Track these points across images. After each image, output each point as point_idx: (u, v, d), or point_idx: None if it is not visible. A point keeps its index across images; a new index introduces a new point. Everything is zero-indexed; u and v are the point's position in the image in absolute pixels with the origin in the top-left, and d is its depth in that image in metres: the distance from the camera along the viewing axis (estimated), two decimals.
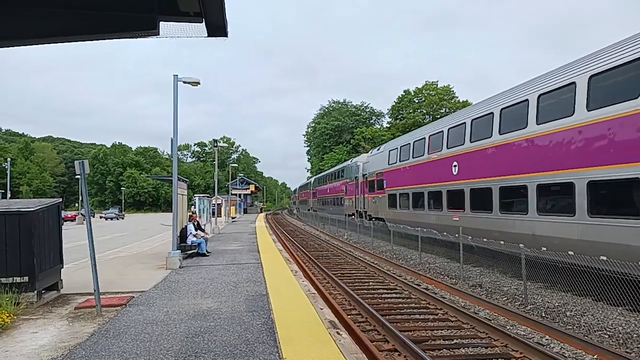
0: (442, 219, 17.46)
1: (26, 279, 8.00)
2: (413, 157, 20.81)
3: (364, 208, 29.64)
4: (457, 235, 14.31)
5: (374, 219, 26.46)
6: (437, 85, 74.06)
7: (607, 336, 7.80)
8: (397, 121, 75.61)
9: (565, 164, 10.99)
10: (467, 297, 10.89)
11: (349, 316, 9.00)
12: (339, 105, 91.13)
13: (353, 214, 32.43)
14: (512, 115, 13.50)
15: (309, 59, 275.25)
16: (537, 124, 12.16)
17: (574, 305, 9.63)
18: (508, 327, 8.36)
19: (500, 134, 13.94)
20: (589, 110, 10.27)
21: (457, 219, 16.16)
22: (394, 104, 78.02)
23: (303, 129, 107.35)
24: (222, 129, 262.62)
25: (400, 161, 22.54)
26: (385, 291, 11.91)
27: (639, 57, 9.21)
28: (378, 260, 17.74)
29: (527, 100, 12.73)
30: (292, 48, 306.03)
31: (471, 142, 15.67)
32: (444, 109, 70.50)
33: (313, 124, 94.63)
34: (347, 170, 35.89)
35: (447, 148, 17.45)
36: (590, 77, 10.32)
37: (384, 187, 24.72)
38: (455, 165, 16.75)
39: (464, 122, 16.40)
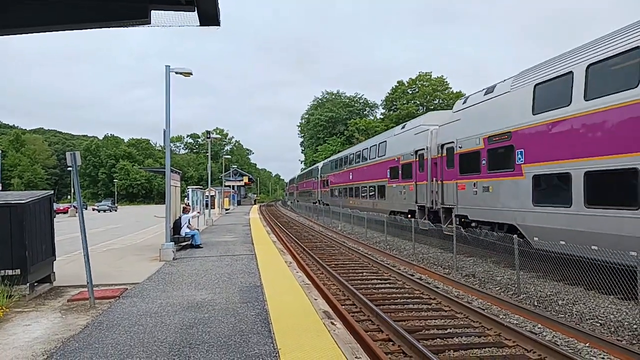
0: (346, 201, 32.91)
1: (18, 271, 7.94)
2: (338, 169, 37.08)
3: (321, 198, 46.25)
4: (355, 210, 28.33)
5: (324, 203, 41.97)
6: (430, 76, 73.85)
7: (598, 324, 7.91)
8: (391, 112, 75.43)
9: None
10: (460, 287, 10.98)
11: (343, 306, 9.04)
12: (333, 97, 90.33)
13: (316, 202, 48.37)
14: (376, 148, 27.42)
15: (309, 52, 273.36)
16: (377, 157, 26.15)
17: (565, 294, 9.74)
18: (501, 316, 8.44)
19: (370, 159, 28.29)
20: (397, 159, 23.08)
21: (353, 202, 31.00)
22: (388, 94, 77.68)
23: (299, 122, 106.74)
24: (218, 121, 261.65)
25: (336, 169, 38.35)
26: (379, 281, 11.97)
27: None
28: (371, 251, 17.82)
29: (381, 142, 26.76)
30: (291, 41, 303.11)
31: (356, 163, 30.70)
32: (437, 100, 70.45)
33: (307, 116, 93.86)
34: (314, 172, 52.41)
35: (349, 165, 32.99)
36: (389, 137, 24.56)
37: (329, 184, 41.73)
38: (351, 175, 32.09)
39: (353, 152, 32.67)
